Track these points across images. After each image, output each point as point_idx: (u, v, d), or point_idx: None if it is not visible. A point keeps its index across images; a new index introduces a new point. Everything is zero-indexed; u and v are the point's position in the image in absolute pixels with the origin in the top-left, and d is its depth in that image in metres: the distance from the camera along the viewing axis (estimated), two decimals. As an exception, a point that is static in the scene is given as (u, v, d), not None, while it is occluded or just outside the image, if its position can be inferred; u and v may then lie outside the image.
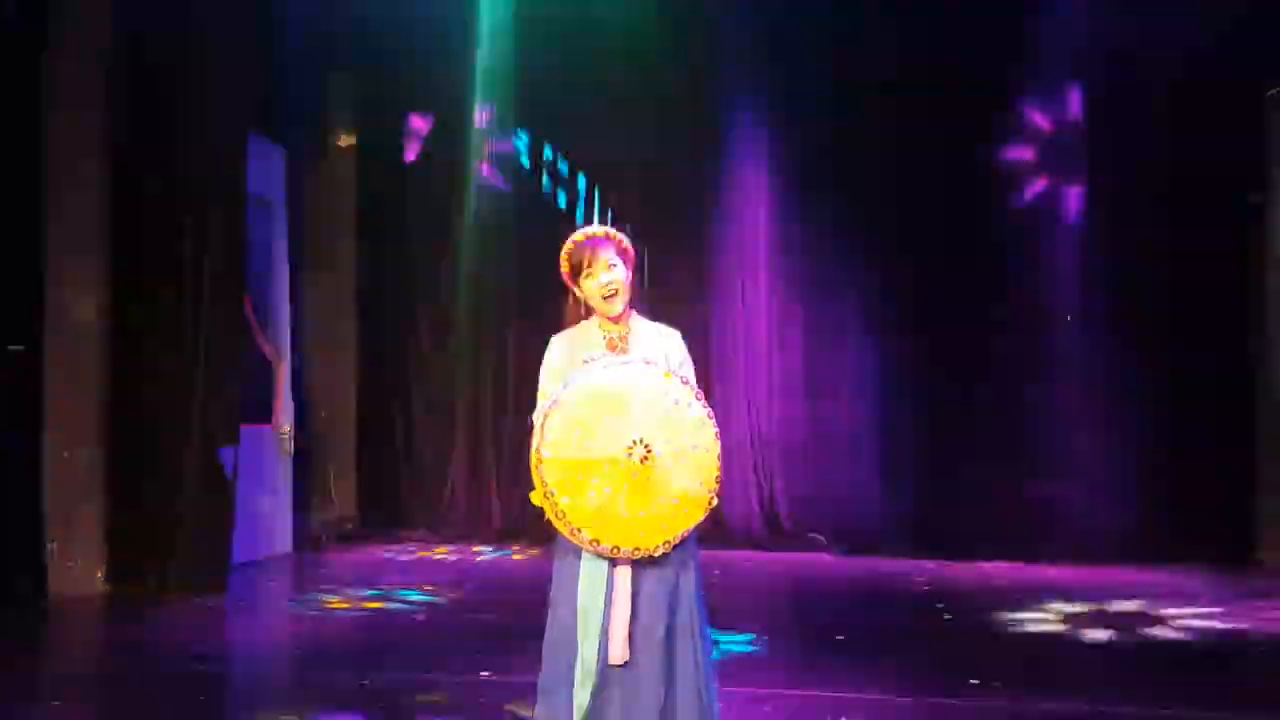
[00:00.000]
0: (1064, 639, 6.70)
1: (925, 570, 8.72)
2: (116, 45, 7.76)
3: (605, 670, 3.52)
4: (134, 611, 7.19)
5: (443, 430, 10.47)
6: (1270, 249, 9.05)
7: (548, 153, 10.36)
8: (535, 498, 3.50)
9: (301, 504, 9.79)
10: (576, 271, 3.72)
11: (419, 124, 10.63)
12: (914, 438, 9.71)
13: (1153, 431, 9.20)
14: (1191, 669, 6.13)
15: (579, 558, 3.57)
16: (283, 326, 9.52)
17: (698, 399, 3.56)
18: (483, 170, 10.42)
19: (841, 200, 9.78)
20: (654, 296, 9.32)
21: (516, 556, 9.37)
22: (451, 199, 10.42)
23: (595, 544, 3.47)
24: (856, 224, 9.77)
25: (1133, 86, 9.23)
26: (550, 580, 3.67)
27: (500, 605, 7.37)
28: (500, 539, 9.91)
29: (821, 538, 9.65)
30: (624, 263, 3.71)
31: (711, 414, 3.57)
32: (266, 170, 9.13)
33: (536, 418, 3.55)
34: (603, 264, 3.68)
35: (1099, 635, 6.73)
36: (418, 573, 8.64)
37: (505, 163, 10.43)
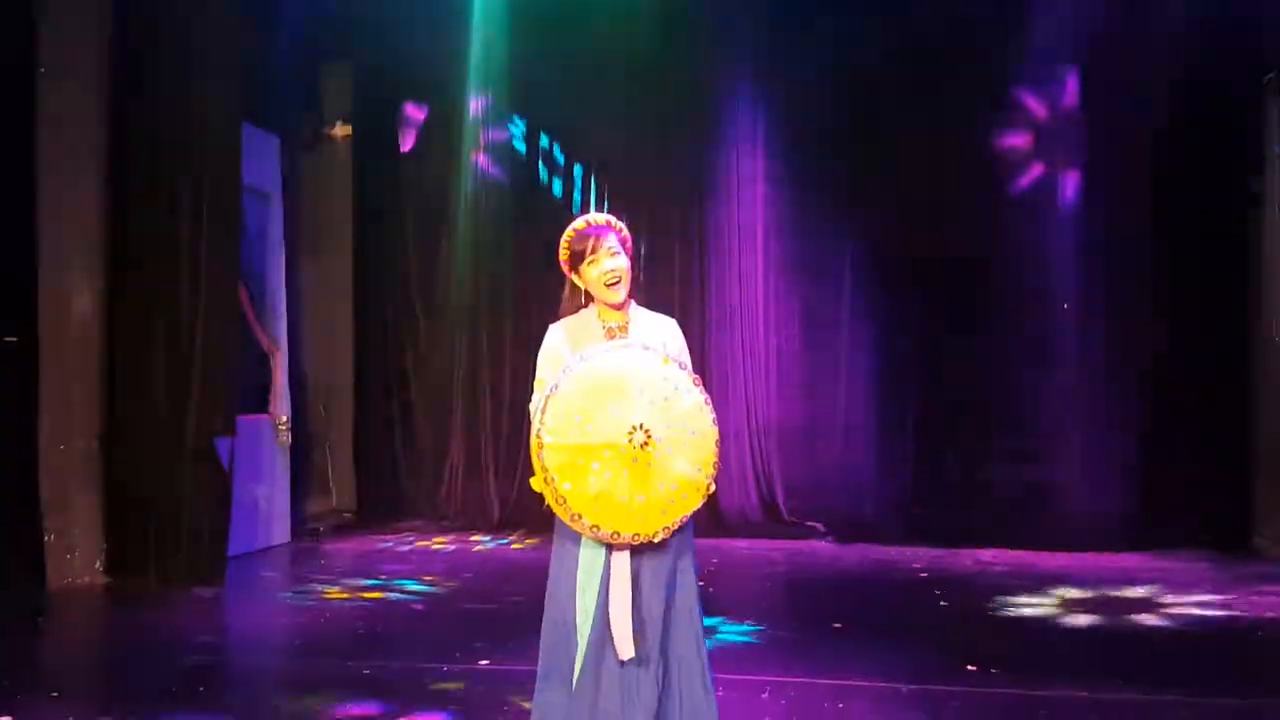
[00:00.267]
0: (1062, 625, 6.71)
1: (922, 557, 8.72)
2: (112, 35, 7.74)
3: (608, 660, 3.52)
4: (132, 601, 7.20)
5: (440, 420, 10.47)
6: (1267, 234, 9.04)
7: (543, 141, 10.35)
8: (535, 483, 3.50)
9: (299, 494, 9.79)
10: (577, 259, 3.72)
11: (415, 113, 10.60)
12: (911, 424, 9.73)
13: (1149, 418, 9.20)
14: (1190, 655, 6.13)
15: (578, 545, 3.58)
16: (279, 316, 9.51)
17: (696, 385, 3.56)
18: (478, 159, 10.40)
19: (838, 187, 9.78)
20: (650, 284, 9.39)
21: (515, 546, 9.36)
22: (447, 188, 10.41)
23: (595, 530, 3.47)
24: (853, 211, 9.75)
25: (1129, 72, 9.20)
26: (549, 569, 3.68)
27: (499, 594, 7.38)
28: (498, 528, 9.91)
29: (819, 526, 9.65)
30: (624, 251, 3.73)
31: (709, 400, 3.57)
32: (262, 160, 9.14)
33: (536, 404, 3.55)
34: (606, 251, 3.69)
35: (1097, 621, 6.75)
36: (416, 562, 8.64)
37: (501, 152, 10.41)
